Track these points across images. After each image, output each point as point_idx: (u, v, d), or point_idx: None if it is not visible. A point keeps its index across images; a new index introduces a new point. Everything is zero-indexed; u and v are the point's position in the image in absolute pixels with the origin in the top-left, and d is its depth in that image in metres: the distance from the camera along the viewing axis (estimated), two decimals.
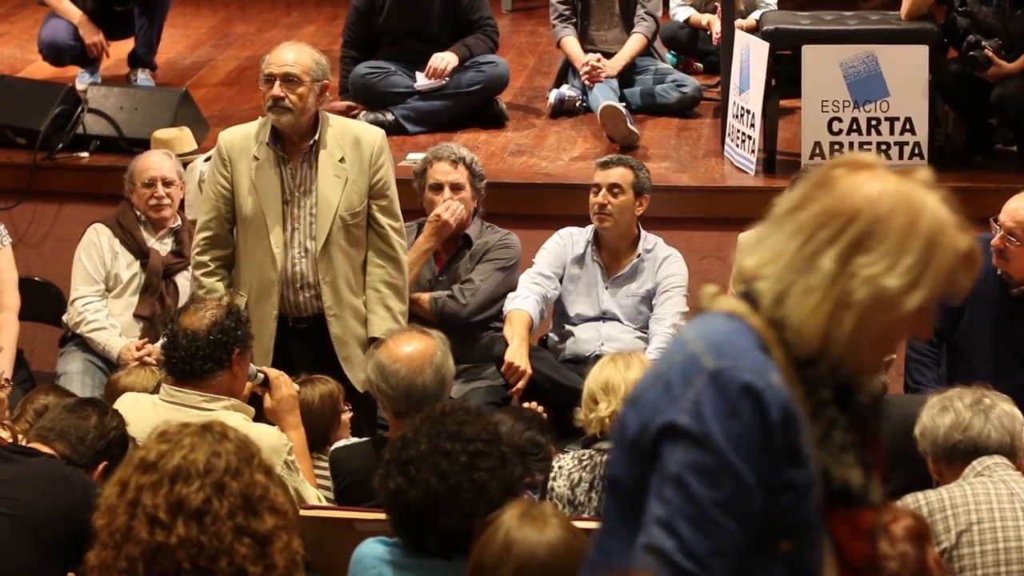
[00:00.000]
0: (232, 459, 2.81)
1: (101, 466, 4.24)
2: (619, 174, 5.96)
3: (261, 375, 4.78)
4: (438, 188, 6.01)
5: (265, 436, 4.40)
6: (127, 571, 2.72)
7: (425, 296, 5.97)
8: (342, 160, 5.43)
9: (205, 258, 5.51)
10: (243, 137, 5.51)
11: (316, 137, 5.42)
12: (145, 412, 4.43)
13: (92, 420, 4.23)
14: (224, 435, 2.85)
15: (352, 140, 5.46)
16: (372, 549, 3.51)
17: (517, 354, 5.67)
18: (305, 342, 5.49)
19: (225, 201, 5.47)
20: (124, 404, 4.52)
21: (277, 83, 5.38)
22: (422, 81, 7.69)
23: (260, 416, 4.71)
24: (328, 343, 5.46)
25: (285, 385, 4.79)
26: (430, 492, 3.36)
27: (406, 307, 5.58)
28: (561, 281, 6.03)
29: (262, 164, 5.44)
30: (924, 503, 3.95)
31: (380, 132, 5.61)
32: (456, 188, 6.01)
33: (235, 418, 4.40)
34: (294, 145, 5.45)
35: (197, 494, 2.75)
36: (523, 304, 5.85)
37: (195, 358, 4.46)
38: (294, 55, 5.44)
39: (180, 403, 4.46)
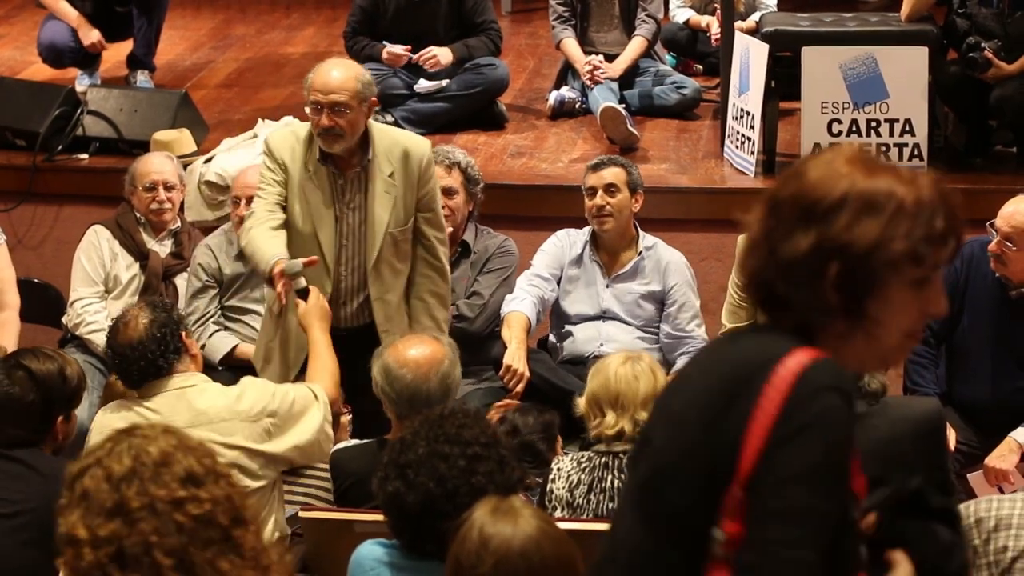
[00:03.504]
0: (158, 451, 2.77)
1: (59, 421, 4.29)
2: (613, 174, 5.97)
3: (303, 280, 4.93)
4: None
5: (249, 386, 4.45)
6: None
7: None
8: (391, 176, 5.31)
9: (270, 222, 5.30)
10: (294, 142, 5.33)
11: (369, 156, 5.28)
12: (124, 416, 4.41)
13: (17, 392, 4.25)
14: (145, 433, 2.80)
15: (401, 154, 5.31)
16: (371, 551, 3.51)
17: (515, 357, 5.67)
18: (348, 350, 5.19)
19: (282, 198, 5.29)
20: (98, 427, 4.48)
21: (325, 112, 5.18)
22: (422, 84, 7.69)
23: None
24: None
25: (314, 294, 4.92)
26: (428, 496, 3.36)
27: (449, 314, 5.56)
28: (559, 283, 6.03)
29: (313, 176, 5.28)
30: (994, 514, 3.69)
31: (427, 144, 5.44)
32: (449, 193, 5.99)
33: (211, 385, 4.43)
34: (345, 162, 5.30)
35: (192, 462, 2.72)
36: (520, 306, 5.85)
37: (152, 363, 4.40)
38: (339, 79, 5.20)
39: (154, 393, 4.41)
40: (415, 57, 7.63)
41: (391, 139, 5.38)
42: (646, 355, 4.58)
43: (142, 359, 4.38)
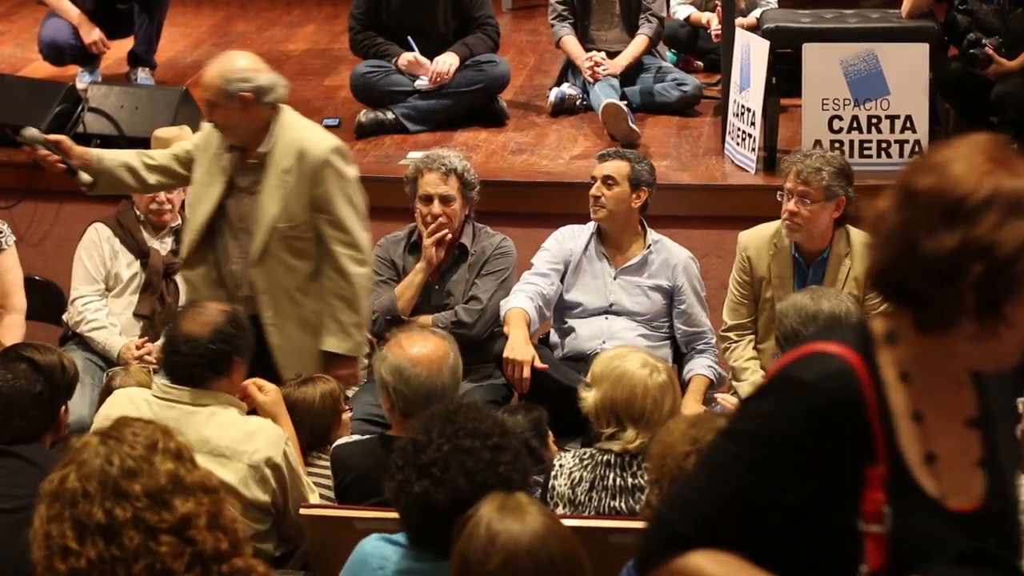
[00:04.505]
0: (127, 460, 2.78)
1: (62, 410, 4.34)
2: (614, 167, 5.97)
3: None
4: (427, 200, 5.98)
5: (262, 428, 4.40)
6: None
7: (427, 319, 5.95)
8: (287, 171, 5.35)
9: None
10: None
11: (267, 148, 5.36)
12: (140, 410, 4.42)
13: (23, 384, 4.26)
14: (120, 437, 2.80)
15: (298, 152, 5.35)
16: (378, 548, 3.48)
17: (513, 347, 5.66)
18: None
19: (181, 164, 5.55)
20: (119, 400, 4.52)
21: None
22: (423, 81, 7.69)
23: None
24: (264, 346, 5.34)
25: (273, 391, 4.76)
26: (459, 492, 3.33)
27: (361, 318, 5.47)
28: (563, 278, 6.03)
29: (219, 158, 5.46)
30: None
31: (328, 146, 5.39)
32: (446, 201, 5.97)
33: (229, 413, 4.39)
34: (249, 151, 5.41)
35: (97, 511, 2.73)
36: (519, 302, 5.84)
37: (195, 365, 4.41)
38: (207, 77, 5.41)
39: (174, 400, 4.44)
40: (430, 78, 7.61)
41: (296, 135, 5.40)
42: (663, 364, 4.54)
43: (183, 356, 4.40)
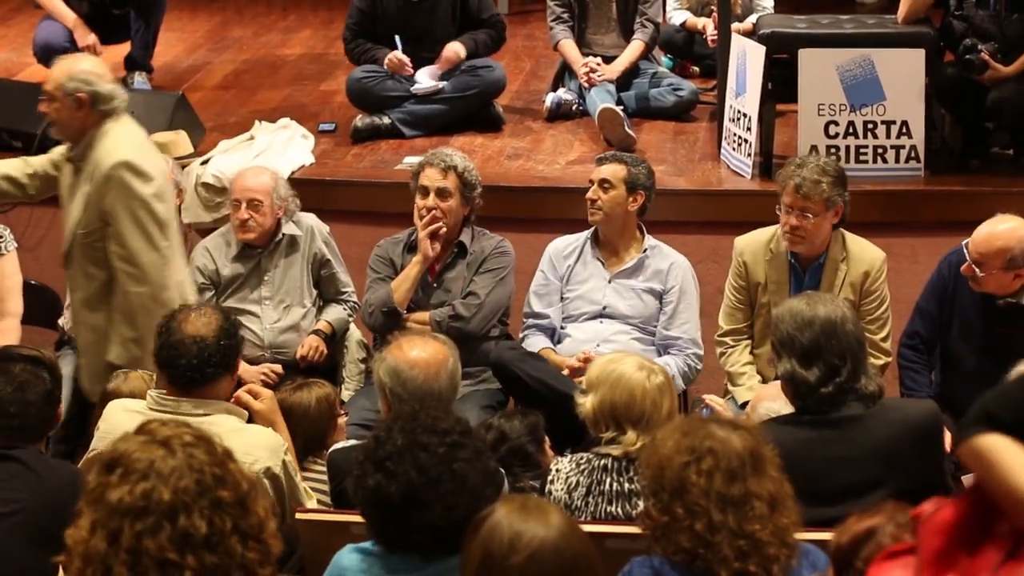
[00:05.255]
0: (211, 467, 2.77)
1: (60, 406, 4.40)
2: (610, 170, 5.98)
3: None
4: (424, 192, 6.01)
5: (262, 437, 4.40)
6: None
7: (424, 315, 5.95)
8: (88, 178, 5.46)
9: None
10: None
11: (80, 152, 5.48)
12: (135, 419, 4.40)
13: (30, 379, 4.27)
14: (186, 443, 2.80)
15: (96, 160, 5.44)
16: (350, 560, 3.47)
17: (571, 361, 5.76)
18: None
19: (59, 169, 5.62)
20: (114, 412, 4.50)
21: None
22: (421, 82, 7.68)
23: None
24: None
25: (268, 397, 4.74)
26: (410, 485, 3.33)
27: (138, 333, 5.43)
28: (561, 296, 6.04)
29: (61, 164, 5.60)
30: None
31: (118, 160, 5.41)
32: (442, 195, 5.98)
33: (229, 421, 4.38)
34: (77, 156, 5.53)
35: (200, 522, 2.71)
36: (543, 343, 5.94)
37: (207, 364, 4.38)
38: (54, 69, 5.54)
39: (171, 411, 4.42)
40: (439, 63, 7.64)
41: (105, 144, 5.46)
42: (658, 366, 4.55)
43: (195, 357, 4.35)
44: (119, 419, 4.39)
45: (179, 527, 2.70)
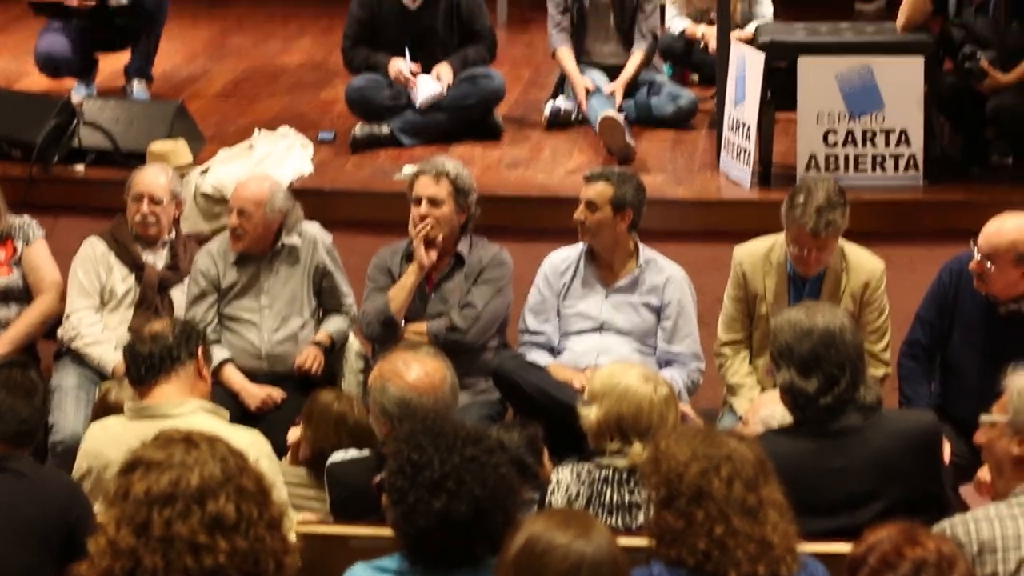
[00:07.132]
0: (233, 458, 2.79)
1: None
2: (596, 191, 5.88)
3: None
4: (417, 201, 5.99)
5: (241, 435, 4.40)
6: None
7: (422, 326, 5.94)
8: None
9: None
10: None
11: None
12: (114, 432, 4.42)
13: (32, 382, 4.30)
14: (206, 438, 2.82)
15: None
16: None
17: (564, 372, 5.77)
18: None
19: None
20: (93, 434, 4.52)
21: None
22: (422, 95, 7.67)
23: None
24: None
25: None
26: (477, 500, 3.38)
27: None
28: (558, 312, 6.02)
29: None
30: (974, 538, 3.69)
31: None
32: (434, 203, 5.97)
33: (208, 421, 4.39)
34: None
35: (229, 506, 2.72)
36: (546, 359, 5.90)
37: (166, 350, 4.48)
38: None
39: (150, 415, 4.42)
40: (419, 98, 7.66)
41: None
42: (661, 377, 4.55)
43: (151, 347, 4.43)
44: (97, 437, 4.41)
45: (208, 511, 2.72)
